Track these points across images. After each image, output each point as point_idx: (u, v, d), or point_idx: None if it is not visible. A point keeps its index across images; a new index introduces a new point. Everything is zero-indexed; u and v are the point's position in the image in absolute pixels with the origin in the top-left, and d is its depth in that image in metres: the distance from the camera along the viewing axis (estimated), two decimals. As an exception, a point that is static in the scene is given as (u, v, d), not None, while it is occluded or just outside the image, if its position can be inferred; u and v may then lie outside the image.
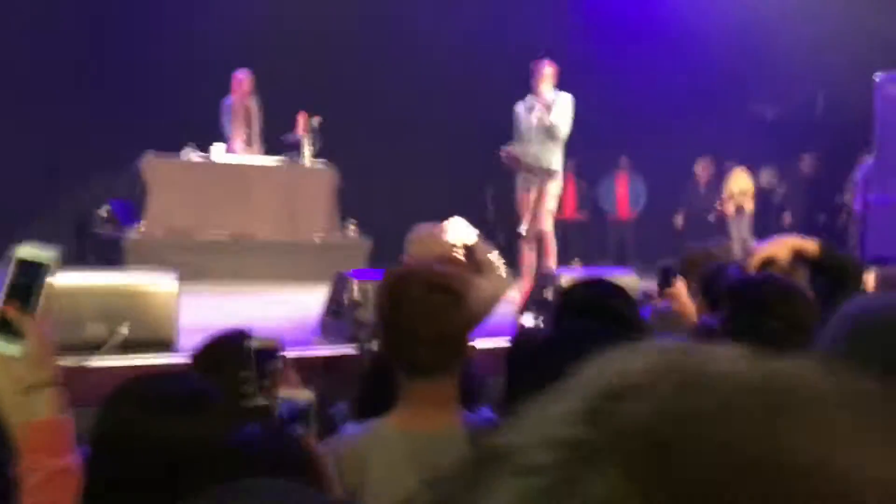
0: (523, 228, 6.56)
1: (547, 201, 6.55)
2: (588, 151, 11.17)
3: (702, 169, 11.02)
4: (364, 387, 2.26)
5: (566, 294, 2.30)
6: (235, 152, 8.26)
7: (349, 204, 8.62)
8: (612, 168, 11.45)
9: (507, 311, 5.21)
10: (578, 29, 11.07)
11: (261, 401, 1.81)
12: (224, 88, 8.41)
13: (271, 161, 8.35)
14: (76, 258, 8.34)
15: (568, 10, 11.38)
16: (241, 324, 2.22)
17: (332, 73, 10.12)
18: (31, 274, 1.30)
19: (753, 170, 10.98)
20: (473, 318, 1.81)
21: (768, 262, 2.31)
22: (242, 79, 8.30)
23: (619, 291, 2.13)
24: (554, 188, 6.60)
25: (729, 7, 10.13)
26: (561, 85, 6.53)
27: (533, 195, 6.49)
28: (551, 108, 6.34)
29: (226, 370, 1.86)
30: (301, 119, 8.30)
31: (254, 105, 8.38)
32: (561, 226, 11.31)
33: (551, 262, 6.68)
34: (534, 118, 6.37)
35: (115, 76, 9.40)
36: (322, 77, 9.89)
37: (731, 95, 11.27)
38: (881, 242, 7.50)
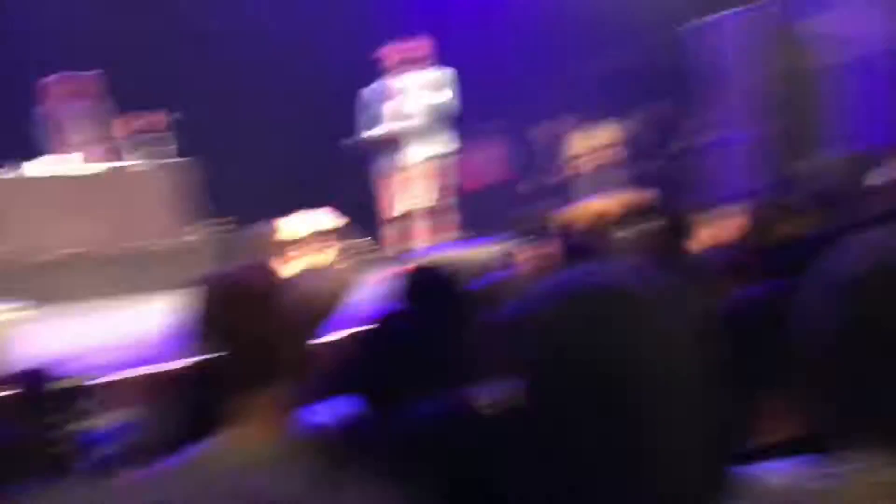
0: (396, 210, 6.50)
1: (433, 180, 6.49)
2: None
3: (543, 133, 11.27)
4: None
5: (401, 281, 2.29)
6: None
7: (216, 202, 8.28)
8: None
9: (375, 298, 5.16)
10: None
11: (68, 444, 1.69)
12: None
13: (99, 168, 7.85)
14: None
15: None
16: (52, 357, 2.08)
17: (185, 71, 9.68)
18: None
19: (591, 127, 11.30)
20: (294, 319, 1.71)
21: (600, 217, 2.34)
22: (51, 84, 7.76)
23: (442, 273, 2.13)
24: (440, 166, 6.54)
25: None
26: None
27: (401, 175, 6.43)
28: (438, 87, 6.28)
29: (28, 414, 1.73)
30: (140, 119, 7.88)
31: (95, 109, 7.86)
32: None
33: (437, 238, 6.65)
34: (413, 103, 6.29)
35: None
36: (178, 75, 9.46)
37: (557, 57, 11.54)
38: (715, 184, 7.92)
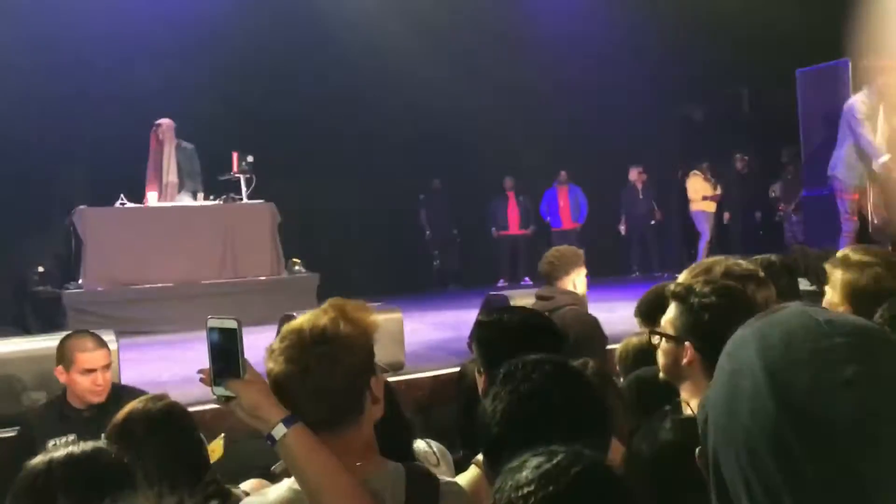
0: None
1: None
2: (527, 171, 11.25)
3: (637, 175, 11.16)
4: None
5: (479, 327, 2.21)
6: (166, 199, 8.01)
7: (290, 241, 8.51)
8: (554, 183, 11.50)
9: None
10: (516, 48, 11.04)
11: None
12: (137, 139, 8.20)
13: (209, 202, 8.18)
14: (15, 321, 8.02)
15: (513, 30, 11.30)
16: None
17: (259, 112, 9.99)
18: (226, 340, 1.42)
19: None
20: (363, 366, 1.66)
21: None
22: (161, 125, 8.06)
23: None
24: None
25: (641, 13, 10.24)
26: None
27: None
28: None
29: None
30: (234, 158, 8.18)
31: (173, 150, 8.08)
32: (509, 242, 11.36)
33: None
34: None
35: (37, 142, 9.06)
36: (250, 115, 9.79)
37: (659, 101, 11.43)
38: (817, 232, 7.67)
